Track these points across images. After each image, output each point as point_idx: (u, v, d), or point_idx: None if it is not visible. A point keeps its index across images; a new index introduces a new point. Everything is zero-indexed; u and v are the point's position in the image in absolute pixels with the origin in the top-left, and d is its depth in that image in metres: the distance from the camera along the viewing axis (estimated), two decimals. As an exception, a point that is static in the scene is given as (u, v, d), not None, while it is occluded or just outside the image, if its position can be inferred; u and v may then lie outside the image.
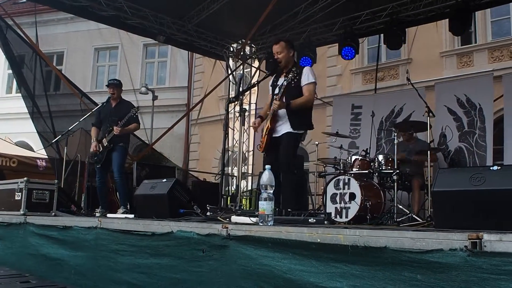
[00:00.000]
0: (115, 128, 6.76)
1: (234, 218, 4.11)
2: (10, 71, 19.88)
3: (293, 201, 5.05)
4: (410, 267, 2.36)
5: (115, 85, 7.19)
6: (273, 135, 5.28)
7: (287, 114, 5.17)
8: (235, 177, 12.41)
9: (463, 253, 2.21)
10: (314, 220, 4.14)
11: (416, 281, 2.34)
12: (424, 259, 2.32)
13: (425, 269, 2.31)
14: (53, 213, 6.34)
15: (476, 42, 13.50)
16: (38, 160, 11.49)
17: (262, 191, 3.55)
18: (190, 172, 14.38)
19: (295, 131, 5.17)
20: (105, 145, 6.97)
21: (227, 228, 3.32)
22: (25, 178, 6.36)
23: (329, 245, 2.71)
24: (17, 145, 13.68)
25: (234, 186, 12.41)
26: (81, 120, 8.35)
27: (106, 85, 7.45)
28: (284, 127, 5.21)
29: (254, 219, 3.77)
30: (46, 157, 11.28)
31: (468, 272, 2.18)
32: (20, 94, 11.20)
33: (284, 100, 5.14)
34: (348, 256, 2.61)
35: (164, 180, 5.03)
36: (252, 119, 12.07)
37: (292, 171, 5.16)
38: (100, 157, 7.07)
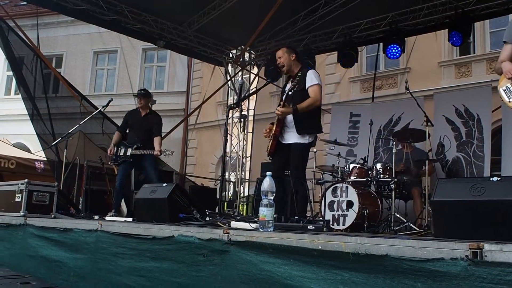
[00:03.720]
0: (155, 151, 7.09)
1: (234, 224, 4.13)
2: (9, 73, 19.93)
3: (303, 210, 5.18)
4: (410, 275, 2.39)
5: (143, 95, 7.32)
6: (281, 141, 5.33)
7: (293, 118, 5.20)
8: (232, 183, 12.42)
9: (463, 262, 2.24)
10: (313, 227, 4.17)
11: (416, 289, 2.37)
12: (425, 268, 2.34)
13: (426, 278, 2.34)
14: (52, 215, 6.35)
15: (474, 53, 13.57)
16: (36, 162, 11.48)
17: (262, 197, 3.57)
18: (187, 177, 14.38)
19: (304, 142, 5.21)
20: (127, 154, 7.11)
21: (228, 233, 3.34)
22: (26, 180, 6.36)
23: (330, 252, 2.73)
24: (15, 147, 13.67)
25: (231, 191, 12.43)
26: (81, 123, 8.37)
27: (134, 95, 7.56)
28: (292, 135, 5.25)
29: (254, 225, 3.79)
30: (44, 159, 11.29)
31: (468, 282, 2.20)
32: (18, 96, 11.21)
33: (291, 106, 5.19)
34: (349, 263, 2.63)
35: (164, 184, 5.05)
36: (251, 125, 12.15)
37: (302, 182, 5.23)
38: (117, 160, 7.30)
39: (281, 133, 5.31)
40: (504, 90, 4.15)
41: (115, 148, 7.33)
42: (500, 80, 4.25)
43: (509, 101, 4.11)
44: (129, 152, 7.16)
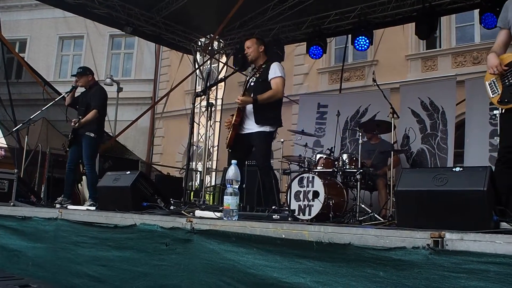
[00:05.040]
0: (72, 121, 6.63)
1: (198, 213, 4.09)
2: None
3: (275, 199, 5.13)
4: (373, 264, 2.39)
5: (79, 73, 7.06)
6: (240, 132, 5.29)
7: (253, 109, 5.18)
8: (199, 172, 12.35)
9: (425, 251, 2.24)
10: (278, 216, 4.16)
11: (378, 278, 2.36)
12: (387, 257, 2.35)
13: (388, 266, 2.34)
14: (11, 203, 6.18)
15: (440, 47, 13.80)
16: (-4, 149, 11.21)
17: (227, 185, 3.54)
18: (153, 166, 14.24)
19: (265, 130, 5.19)
20: (71, 135, 6.90)
21: (192, 222, 3.30)
22: (-17, 167, 6.18)
23: (294, 241, 2.71)
24: (-27, 133, 13.28)
25: (198, 181, 12.36)
26: (43, 109, 8.15)
27: (72, 75, 7.31)
28: (252, 125, 5.23)
29: (218, 214, 3.76)
30: (5, 146, 11.01)
31: (429, 270, 2.21)
32: (-23, 81, 10.89)
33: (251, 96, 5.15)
34: (313, 252, 2.62)
35: (128, 172, 4.95)
36: (218, 115, 12.09)
37: (270, 171, 5.22)
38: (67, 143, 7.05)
39: (241, 123, 5.28)
40: (489, 84, 4.05)
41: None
42: (486, 73, 4.13)
43: (492, 96, 4.02)
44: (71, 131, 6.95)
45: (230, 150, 5.47)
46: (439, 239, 2.24)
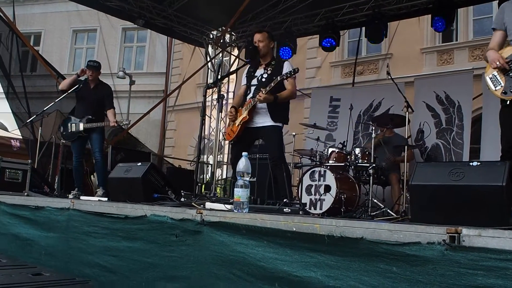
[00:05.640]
0: (111, 123, 6.81)
1: (209, 205, 4.05)
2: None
3: (287, 192, 5.11)
4: (386, 259, 2.33)
5: (95, 68, 7.09)
6: (248, 126, 5.26)
7: (267, 106, 5.16)
8: (210, 165, 12.32)
9: (441, 247, 2.18)
10: (289, 210, 4.11)
11: (391, 273, 2.31)
12: (401, 252, 2.29)
13: (401, 262, 2.28)
14: (25, 193, 6.22)
15: (457, 40, 13.57)
16: (12, 140, 11.34)
17: (238, 178, 3.50)
18: (165, 158, 14.25)
19: (279, 125, 5.20)
20: (80, 129, 6.90)
21: (202, 213, 3.27)
22: (-2, 157, 6.23)
23: (305, 234, 2.66)
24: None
25: (209, 174, 12.34)
26: (56, 101, 8.16)
27: (85, 67, 7.31)
28: (263, 119, 5.22)
29: (228, 206, 3.73)
30: (20, 137, 11.10)
31: (445, 266, 2.15)
32: (-7, 74, 10.97)
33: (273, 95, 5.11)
34: (324, 246, 2.56)
35: (139, 163, 4.95)
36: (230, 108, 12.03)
37: (283, 164, 5.20)
38: (68, 135, 7.08)
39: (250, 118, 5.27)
40: (491, 78, 4.12)
41: (66, 124, 7.16)
42: (486, 68, 4.22)
43: (495, 90, 4.08)
44: (81, 127, 6.97)
45: (231, 143, 5.50)
46: (456, 234, 2.17)
